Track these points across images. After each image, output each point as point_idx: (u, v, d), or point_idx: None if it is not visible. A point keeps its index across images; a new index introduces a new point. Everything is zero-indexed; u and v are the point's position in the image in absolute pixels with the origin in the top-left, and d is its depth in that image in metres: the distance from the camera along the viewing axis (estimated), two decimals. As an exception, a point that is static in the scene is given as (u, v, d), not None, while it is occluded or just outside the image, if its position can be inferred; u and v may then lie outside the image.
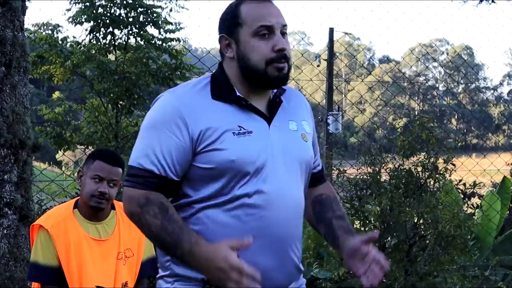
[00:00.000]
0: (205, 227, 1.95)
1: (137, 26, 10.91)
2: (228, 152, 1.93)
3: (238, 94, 2.03)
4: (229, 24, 2.05)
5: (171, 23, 11.17)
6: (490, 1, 6.85)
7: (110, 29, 10.93)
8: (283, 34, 2.03)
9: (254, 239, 1.88)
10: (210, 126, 1.94)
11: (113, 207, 2.89)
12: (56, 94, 15.14)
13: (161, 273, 2.07)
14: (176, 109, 1.95)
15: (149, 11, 10.90)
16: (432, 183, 5.22)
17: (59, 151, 11.74)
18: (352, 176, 5.16)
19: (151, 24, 11.00)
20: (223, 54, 2.10)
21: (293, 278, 2.08)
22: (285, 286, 2.05)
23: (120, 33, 11.05)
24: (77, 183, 2.84)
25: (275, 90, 2.09)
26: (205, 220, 1.96)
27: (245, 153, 1.94)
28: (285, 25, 2.04)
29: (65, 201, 5.92)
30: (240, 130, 1.97)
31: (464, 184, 6.28)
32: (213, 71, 2.14)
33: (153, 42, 10.96)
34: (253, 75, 2.01)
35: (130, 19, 10.86)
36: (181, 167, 1.96)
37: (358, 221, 5.00)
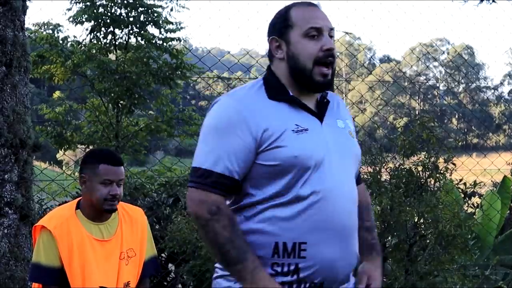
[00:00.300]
0: (271, 223, 2.05)
1: (137, 25, 10.90)
2: (290, 148, 2.05)
3: (291, 94, 2.16)
4: (280, 26, 2.19)
5: (172, 23, 11.17)
6: (491, 1, 6.85)
7: (111, 28, 10.93)
8: (331, 37, 2.16)
9: (319, 232, 2.04)
10: (270, 124, 2.07)
11: None
12: (57, 94, 15.15)
13: (220, 272, 2.17)
14: (239, 112, 2.08)
15: (149, 10, 10.89)
16: (432, 182, 5.22)
17: (59, 151, 11.74)
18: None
19: (151, 23, 11.00)
20: (272, 56, 2.22)
21: (353, 267, 2.19)
22: (348, 274, 2.17)
23: (121, 32, 11.05)
24: (82, 188, 2.83)
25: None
26: (270, 217, 2.06)
27: (305, 149, 2.06)
28: (332, 29, 2.18)
29: (65, 201, 5.92)
30: (298, 127, 2.09)
31: (465, 184, 6.28)
32: (263, 76, 2.26)
33: (153, 41, 10.96)
34: (300, 74, 2.14)
35: (131, 19, 10.86)
36: (246, 168, 2.08)
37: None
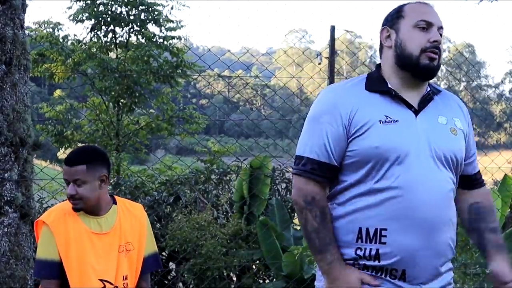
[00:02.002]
0: (357, 210, 2.18)
1: (138, 24, 10.91)
2: (373, 138, 2.16)
3: (389, 86, 2.25)
4: (393, 17, 2.32)
5: (172, 21, 11.17)
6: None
7: (111, 27, 10.93)
8: (440, 35, 2.25)
9: (399, 221, 2.13)
10: (360, 114, 2.19)
11: (114, 202, 2.90)
12: (57, 92, 15.15)
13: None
14: (332, 102, 2.23)
15: (150, 9, 10.89)
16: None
17: (60, 149, 11.74)
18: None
19: (152, 22, 11.00)
20: (381, 47, 2.34)
21: (445, 258, 2.24)
22: (436, 265, 2.21)
23: (121, 31, 11.06)
24: None
25: (428, 89, 2.30)
26: (356, 203, 2.18)
27: (388, 140, 2.15)
28: (442, 28, 2.27)
29: (65, 199, 5.92)
30: (387, 119, 2.18)
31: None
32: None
33: (154, 40, 10.96)
34: (406, 61, 2.23)
35: (131, 17, 10.86)
36: (341, 154, 2.22)
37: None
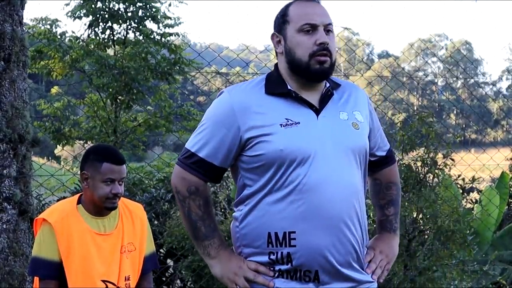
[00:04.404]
0: (264, 215, 2.19)
1: (136, 20, 10.88)
2: (276, 142, 2.16)
3: (289, 88, 2.25)
4: (279, 22, 2.30)
5: (170, 18, 11.15)
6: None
7: (109, 23, 10.90)
8: (328, 31, 2.23)
9: (307, 222, 2.14)
10: (259, 119, 2.20)
11: None
12: (55, 89, 15.12)
13: None
14: (230, 107, 2.23)
15: (148, 5, 10.87)
16: (431, 178, 5.22)
17: (58, 146, 11.72)
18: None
19: (150, 18, 10.98)
20: (276, 51, 2.33)
21: (352, 256, 2.24)
22: (345, 264, 2.22)
23: (119, 27, 11.03)
24: (83, 185, 2.83)
25: (327, 85, 2.31)
26: (263, 208, 2.20)
27: (292, 143, 2.16)
28: (330, 24, 2.24)
29: (64, 196, 5.91)
30: (288, 122, 2.19)
31: (463, 179, 6.27)
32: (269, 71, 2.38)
33: (152, 36, 10.93)
34: (298, 68, 2.23)
35: (129, 14, 10.83)
36: (228, 157, 2.25)
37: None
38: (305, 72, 2.22)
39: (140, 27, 10.99)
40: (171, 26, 11.12)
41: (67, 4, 10.98)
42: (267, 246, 2.19)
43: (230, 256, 2.28)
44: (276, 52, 2.33)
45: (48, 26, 11.05)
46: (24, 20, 4.52)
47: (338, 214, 2.17)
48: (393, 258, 2.45)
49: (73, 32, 11.25)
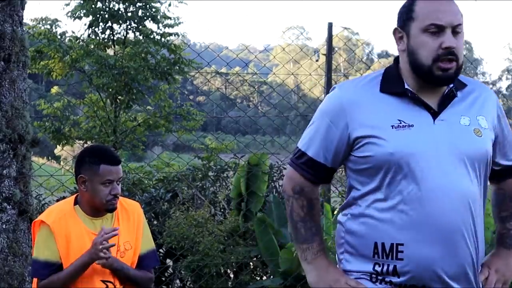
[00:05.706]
0: (370, 223, 2.07)
1: (136, 20, 10.91)
2: (386, 145, 2.02)
3: (406, 86, 2.09)
4: (403, 17, 2.12)
5: (170, 18, 11.16)
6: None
7: (109, 23, 10.92)
8: (456, 33, 2.05)
9: (418, 231, 1.99)
10: (370, 119, 2.06)
11: None
12: (55, 89, 15.13)
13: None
14: (341, 104, 2.11)
15: (147, 5, 10.89)
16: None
17: (57, 146, 11.73)
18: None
19: (150, 18, 10.99)
20: (398, 47, 2.17)
21: (465, 270, 2.06)
22: (456, 278, 2.05)
23: (119, 27, 11.05)
24: (80, 187, 2.81)
25: (451, 85, 2.10)
26: (370, 216, 2.07)
27: (403, 147, 2.01)
28: (459, 24, 2.05)
29: (64, 196, 5.91)
30: (400, 123, 2.04)
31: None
32: (385, 67, 2.22)
33: (152, 36, 10.95)
34: (419, 70, 2.06)
35: (129, 14, 10.85)
36: (337, 157, 2.14)
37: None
38: (427, 76, 2.05)
39: (140, 27, 11.00)
40: (171, 26, 11.14)
41: (67, 4, 11.00)
42: (372, 257, 2.06)
43: (328, 266, 2.15)
44: (397, 48, 2.16)
45: (48, 26, 11.07)
46: (24, 20, 4.52)
47: (453, 226, 2.01)
48: (510, 277, 2.26)
49: (73, 32, 11.30)
